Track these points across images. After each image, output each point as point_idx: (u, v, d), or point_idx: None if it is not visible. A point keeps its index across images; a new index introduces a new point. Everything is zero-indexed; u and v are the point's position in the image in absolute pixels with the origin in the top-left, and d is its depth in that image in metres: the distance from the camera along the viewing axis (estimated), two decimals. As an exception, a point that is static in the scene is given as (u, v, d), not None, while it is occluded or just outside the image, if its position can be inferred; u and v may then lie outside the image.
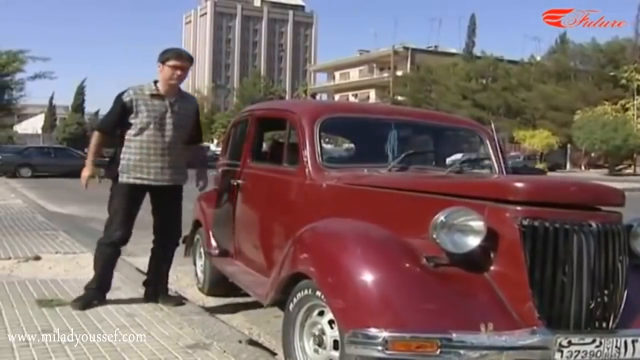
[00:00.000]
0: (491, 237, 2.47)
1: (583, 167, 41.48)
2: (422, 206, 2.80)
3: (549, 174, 28.66)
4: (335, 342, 2.61)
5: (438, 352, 2.23)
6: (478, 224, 2.47)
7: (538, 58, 49.70)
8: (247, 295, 4.16)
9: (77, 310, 3.85)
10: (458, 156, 3.88)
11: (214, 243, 4.74)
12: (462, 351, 2.24)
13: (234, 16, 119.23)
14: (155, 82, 3.98)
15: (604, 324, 2.44)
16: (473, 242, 2.47)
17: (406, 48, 56.84)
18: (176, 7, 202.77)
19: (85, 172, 4.01)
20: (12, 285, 4.56)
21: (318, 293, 2.65)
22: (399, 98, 49.63)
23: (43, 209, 11.18)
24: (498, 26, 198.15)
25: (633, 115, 37.08)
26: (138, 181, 3.90)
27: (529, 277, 2.39)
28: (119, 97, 3.93)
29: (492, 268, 2.50)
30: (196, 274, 5.21)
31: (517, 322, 2.36)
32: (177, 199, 4.11)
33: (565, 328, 2.38)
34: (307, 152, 3.57)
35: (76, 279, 4.86)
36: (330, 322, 2.65)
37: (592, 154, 41.03)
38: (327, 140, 4.55)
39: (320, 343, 2.73)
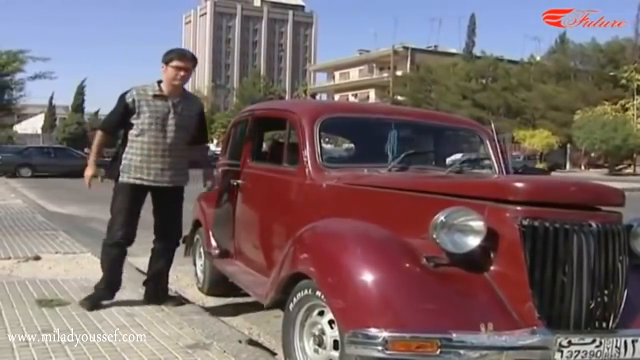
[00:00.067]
0: (491, 237, 2.47)
1: (583, 167, 41.51)
2: (422, 206, 2.80)
3: (552, 174, 28.65)
4: (335, 342, 2.61)
5: (438, 352, 2.23)
6: (478, 224, 2.47)
7: (538, 58, 49.71)
8: (247, 295, 4.16)
9: (86, 309, 3.85)
10: (458, 156, 3.88)
11: (213, 243, 4.74)
12: (462, 351, 2.24)
13: (233, 16, 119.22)
14: (159, 82, 3.97)
15: (604, 324, 2.44)
16: (473, 242, 2.47)
17: (406, 48, 56.84)
18: (176, 7, 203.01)
19: (88, 172, 4.01)
20: (12, 285, 4.56)
21: (318, 293, 2.65)
22: (399, 98, 49.64)
23: (43, 209, 11.19)
24: (498, 26, 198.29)
25: (633, 115, 37.09)
26: (138, 181, 3.90)
27: (529, 277, 2.39)
28: (122, 97, 3.92)
29: (492, 268, 2.50)
30: (196, 274, 5.21)
31: (517, 322, 2.36)
32: (178, 199, 4.11)
33: (565, 328, 2.38)
34: (307, 152, 3.57)
35: (76, 279, 4.86)
36: (330, 322, 2.65)
37: (592, 154, 41.06)
38: (327, 140, 4.55)
39: (320, 343, 2.73)
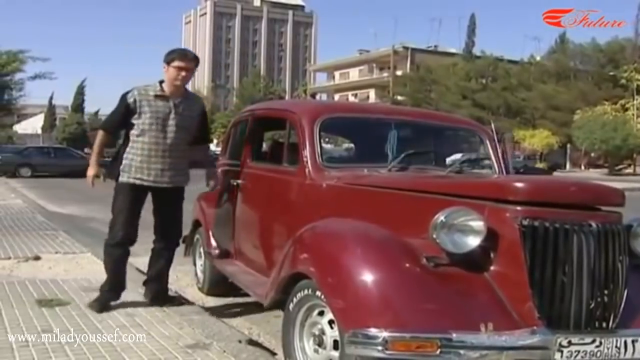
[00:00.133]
0: (491, 237, 2.47)
1: (583, 167, 41.53)
2: (422, 206, 2.80)
3: (555, 174, 28.63)
4: (335, 342, 2.61)
5: (438, 352, 2.23)
6: (478, 224, 2.47)
7: (538, 58, 49.71)
8: (247, 295, 4.16)
9: (95, 311, 3.83)
10: (458, 156, 3.88)
11: (213, 243, 4.74)
12: (462, 351, 2.24)
13: (233, 16, 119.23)
14: (161, 82, 3.95)
15: (604, 324, 2.44)
16: (473, 242, 2.47)
17: (406, 48, 56.84)
18: (176, 7, 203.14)
19: (91, 171, 4.00)
20: (12, 285, 4.56)
21: (318, 293, 2.65)
22: (399, 98, 49.65)
23: (43, 209, 11.18)
24: (498, 26, 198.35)
25: (633, 115, 37.10)
26: (138, 182, 3.90)
27: (529, 277, 2.39)
28: (123, 97, 3.91)
29: (492, 268, 2.50)
30: (196, 274, 5.21)
31: (517, 322, 2.36)
32: (178, 200, 4.11)
33: (565, 328, 2.38)
34: (307, 152, 3.57)
35: (76, 279, 4.86)
36: (330, 322, 2.65)
37: (592, 154, 41.08)
38: (327, 140, 4.55)
39: (320, 343, 2.73)
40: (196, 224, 5.16)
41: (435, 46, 60.91)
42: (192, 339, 3.40)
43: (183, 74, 3.88)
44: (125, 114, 3.89)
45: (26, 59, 31.37)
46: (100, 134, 4.07)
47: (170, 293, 4.34)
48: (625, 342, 2.38)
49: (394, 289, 2.42)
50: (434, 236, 2.49)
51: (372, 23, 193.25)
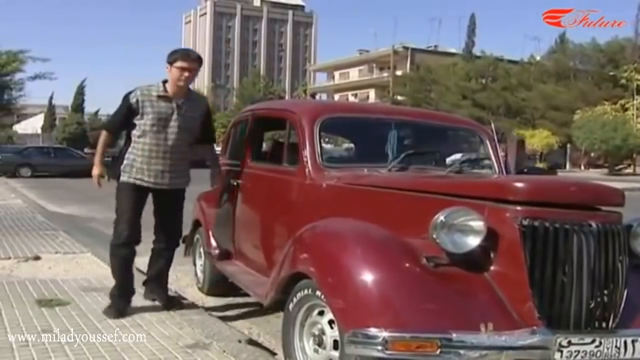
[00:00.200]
0: (491, 237, 2.47)
1: (583, 167, 41.53)
2: (422, 206, 2.80)
3: (560, 174, 28.59)
4: (335, 342, 2.61)
5: (438, 352, 2.23)
6: (478, 224, 2.47)
7: (538, 58, 49.71)
8: (247, 295, 4.16)
9: (113, 318, 3.74)
10: (458, 156, 3.88)
11: (213, 243, 4.74)
12: (462, 351, 2.24)
13: (233, 16, 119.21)
14: (164, 82, 3.91)
15: (604, 324, 2.44)
16: (473, 242, 2.47)
17: (406, 48, 56.83)
18: (176, 7, 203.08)
19: (95, 171, 3.98)
20: (12, 285, 4.56)
21: (318, 293, 2.65)
22: (399, 98, 49.63)
23: (43, 209, 11.18)
24: (498, 26, 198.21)
25: (633, 115, 37.09)
26: (138, 182, 3.88)
27: (529, 277, 2.39)
28: (126, 97, 3.87)
29: (492, 268, 2.50)
30: (196, 274, 5.21)
31: (517, 322, 2.36)
32: (179, 201, 4.09)
33: (565, 328, 2.38)
34: (307, 152, 3.57)
35: (76, 279, 4.87)
36: (330, 322, 2.65)
37: (592, 154, 41.08)
38: (327, 140, 4.55)
39: (320, 343, 2.73)
40: (196, 224, 5.16)
41: (435, 46, 60.90)
42: (192, 339, 3.40)
43: (186, 74, 3.83)
44: (127, 114, 3.86)
45: (26, 59, 31.38)
46: (103, 134, 4.05)
47: (170, 293, 4.34)
48: (625, 342, 2.38)
49: (394, 289, 2.42)
50: (434, 236, 2.49)
51: (372, 23, 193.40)
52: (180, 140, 3.91)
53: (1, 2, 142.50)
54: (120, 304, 3.88)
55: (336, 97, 62.69)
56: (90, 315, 3.80)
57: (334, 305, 2.53)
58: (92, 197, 12.23)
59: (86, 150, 34.01)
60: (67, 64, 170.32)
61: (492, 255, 2.50)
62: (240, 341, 3.39)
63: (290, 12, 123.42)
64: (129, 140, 3.92)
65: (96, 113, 61.82)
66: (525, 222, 2.41)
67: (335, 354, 2.61)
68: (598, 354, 2.34)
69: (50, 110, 68.27)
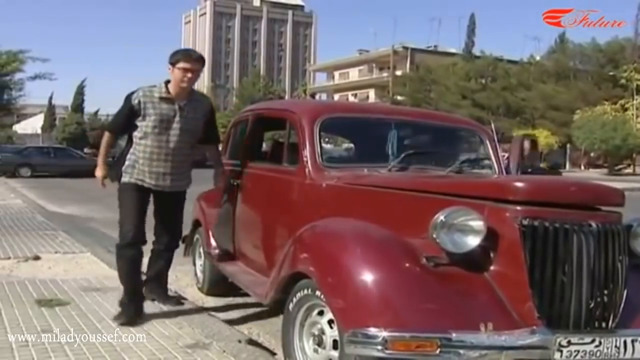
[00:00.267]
0: (491, 237, 2.47)
1: (582, 167, 41.51)
2: (422, 206, 2.80)
3: (564, 174, 28.53)
4: (335, 341, 2.61)
5: (438, 351, 2.23)
6: (478, 224, 2.47)
7: (537, 58, 49.68)
8: (247, 295, 4.16)
9: (126, 325, 3.64)
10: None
11: (213, 243, 4.74)
12: (461, 351, 2.24)
13: (233, 16, 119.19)
14: (167, 82, 3.86)
15: (604, 324, 2.45)
16: (473, 241, 2.47)
17: (406, 48, 56.83)
18: (176, 7, 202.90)
19: (99, 173, 3.94)
20: (11, 285, 4.56)
21: (318, 293, 2.65)
22: (399, 98, 49.61)
23: (43, 209, 11.18)
24: (498, 26, 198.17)
25: (632, 115, 37.09)
26: (139, 182, 3.87)
27: (529, 277, 2.39)
28: (127, 98, 3.82)
29: (492, 268, 2.50)
30: (196, 274, 5.21)
31: (516, 321, 2.36)
32: (180, 203, 4.07)
33: (564, 328, 2.38)
34: (307, 152, 3.57)
35: (76, 278, 4.87)
36: (330, 322, 2.65)
37: (592, 154, 41.06)
38: (327, 140, 4.55)
39: (319, 343, 2.73)
40: (196, 224, 5.16)
41: (435, 46, 60.89)
42: (191, 339, 3.40)
43: (189, 75, 3.78)
44: (129, 115, 3.81)
45: (26, 59, 31.39)
46: (105, 135, 4.02)
47: (170, 293, 4.34)
48: (625, 342, 2.38)
49: (394, 289, 2.42)
50: (434, 236, 2.49)
51: (372, 23, 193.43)
52: (182, 143, 3.87)
53: (1, 2, 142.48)
54: (130, 310, 3.76)
55: (336, 97, 62.70)
56: (90, 315, 3.80)
57: (333, 305, 2.53)
58: (92, 197, 12.24)
59: (86, 150, 34.03)
60: (67, 64, 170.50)
61: (492, 255, 2.50)
62: (240, 341, 3.39)
63: (290, 12, 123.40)
64: (130, 141, 3.89)
65: (96, 113, 61.75)
66: (525, 222, 2.41)
67: (335, 353, 2.61)
68: (598, 353, 2.34)
69: (50, 110, 68.20)
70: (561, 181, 2.94)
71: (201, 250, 5.04)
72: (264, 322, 4.18)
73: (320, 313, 2.74)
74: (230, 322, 4.04)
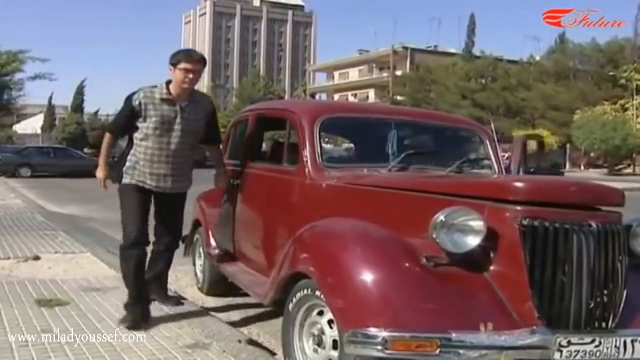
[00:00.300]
0: (491, 237, 2.47)
1: (582, 167, 41.50)
2: (422, 206, 2.80)
3: (566, 174, 28.50)
4: (335, 341, 2.61)
5: (437, 351, 2.23)
6: (478, 224, 2.47)
7: (537, 58, 49.68)
8: (247, 295, 4.16)
9: (132, 329, 3.57)
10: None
11: (213, 243, 4.74)
12: (461, 351, 2.24)
13: (233, 16, 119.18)
14: (168, 83, 3.82)
15: (604, 324, 2.45)
16: (473, 241, 2.47)
17: (405, 48, 56.85)
18: (176, 7, 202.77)
19: (100, 174, 3.91)
20: (11, 285, 4.56)
21: (317, 293, 2.65)
22: (399, 98, 49.62)
23: (43, 209, 11.18)
24: (498, 26, 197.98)
25: (632, 115, 37.09)
26: (140, 184, 3.85)
27: (529, 276, 2.39)
28: (128, 99, 3.79)
29: (492, 268, 2.50)
30: (195, 274, 5.21)
31: (516, 321, 2.36)
32: (180, 204, 4.05)
33: (564, 328, 2.38)
34: (307, 152, 3.57)
35: (75, 279, 4.87)
36: (330, 322, 2.65)
37: (592, 154, 41.03)
38: (327, 140, 4.54)
39: (319, 343, 2.73)
40: (196, 224, 5.16)
41: (435, 46, 60.90)
42: (191, 339, 3.40)
43: (190, 76, 3.74)
44: (130, 116, 3.78)
45: (26, 59, 31.41)
46: (106, 136, 4.00)
47: (170, 293, 4.34)
48: (625, 342, 2.38)
49: (394, 289, 2.42)
50: (434, 236, 2.49)
51: (372, 23, 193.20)
52: (183, 144, 3.85)
53: (1, 2, 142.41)
54: (136, 313, 3.69)
55: (336, 97, 62.71)
56: (90, 315, 3.80)
57: (333, 305, 2.53)
58: (92, 197, 12.25)
59: (86, 150, 34.00)
60: (67, 64, 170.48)
61: (492, 255, 2.50)
62: (240, 341, 3.39)
63: (290, 12, 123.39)
64: (130, 142, 3.87)
65: (96, 113, 61.73)
66: (525, 222, 2.42)
67: (335, 353, 2.61)
68: (597, 353, 2.34)
69: (50, 110, 68.17)
70: (561, 181, 2.95)
71: (201, 250, 5.04)
72: (264, 322, 4.18)
73: (320, 313, 2.74)
74: (230, 322, 4.04)
